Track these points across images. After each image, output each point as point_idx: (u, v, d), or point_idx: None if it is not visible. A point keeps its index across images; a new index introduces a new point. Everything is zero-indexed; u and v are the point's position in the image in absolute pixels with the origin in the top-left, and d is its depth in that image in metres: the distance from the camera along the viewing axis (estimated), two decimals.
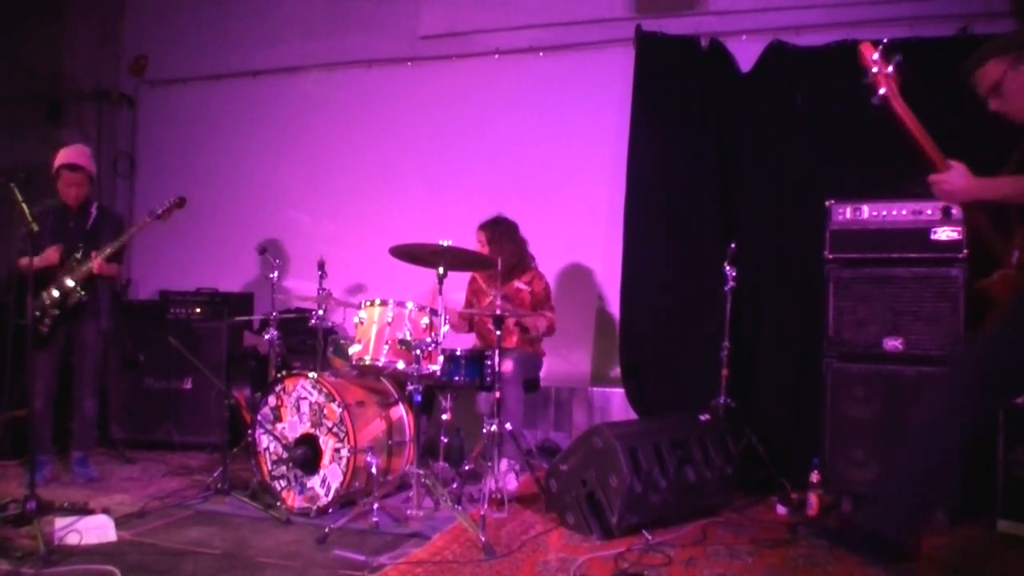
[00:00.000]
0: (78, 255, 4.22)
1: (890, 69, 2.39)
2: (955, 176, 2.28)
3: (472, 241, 4.57)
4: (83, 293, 4.21)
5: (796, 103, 4.67)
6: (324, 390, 3.75)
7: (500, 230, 4.59)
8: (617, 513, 3.34)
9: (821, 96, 4.60)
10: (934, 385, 2.39)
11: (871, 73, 2.39)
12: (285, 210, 6.04)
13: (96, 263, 4.19)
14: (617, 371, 5.09)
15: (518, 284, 4.61)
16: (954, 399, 2.29)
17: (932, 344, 3.77)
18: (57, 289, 4.17)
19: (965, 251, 3.71)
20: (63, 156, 4.32)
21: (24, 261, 4.13)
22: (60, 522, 3.18)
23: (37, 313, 4.13)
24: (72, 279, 4.18)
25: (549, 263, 5.01)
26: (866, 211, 3.95)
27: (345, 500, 3.71)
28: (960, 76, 2.48)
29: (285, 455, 3.80)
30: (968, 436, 2.34)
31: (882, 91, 2.38)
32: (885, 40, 2.45)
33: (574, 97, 5.43)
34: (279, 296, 4.40)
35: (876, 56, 2.39)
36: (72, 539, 3.11)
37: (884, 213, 3.91)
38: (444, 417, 4.03)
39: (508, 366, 4.22)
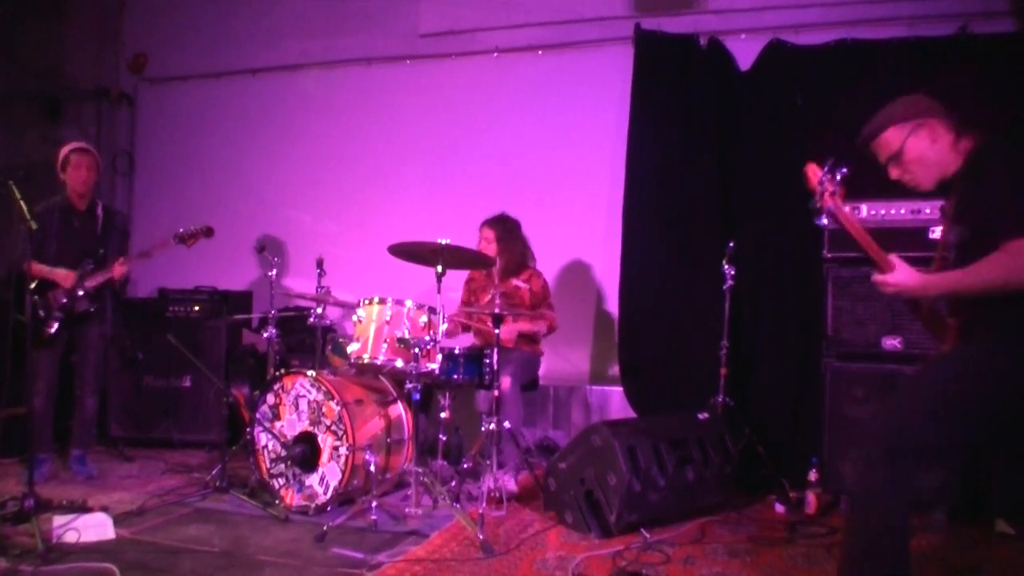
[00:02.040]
0: (90, 265, 4.23)
1: (836, 183, 2.39)
2: (900, 274, 2.25)
3: (471, 239, 4.56)
4: (92, 307, 4.23)
5: (796, 102, 4.66)
6: (323, 388, 3.75)
7: (507, 227, 4.59)
8: (615, 511, 3.34)
9: (820, 95, 4.60)
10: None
11: (818, 195, 2.40)
12: (284, 208, 6.04)
13: (118, 272, 4.23)
14: (616, 370, 5.08)
15: (516, 282, 4.61)
16: (874, 479, 2.22)
17: (931, 343, 3.75)
18: (66, 296, 4.17)
19: None
20: (69, 145, 4.34)
21: (39, 266, 4.14)
22: (58, 520, 3.18)
23: (41, 313, 4.13)
24: (81, 289, 4.19)
25: (548, 261, 5.01)
26: (865, 210, 3.95)
27: (344, 498, 3.71)
28: (858, 144, 2.49)
29: (284, 453, 3.80)
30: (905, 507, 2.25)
31: (824, 216, 2.40)
32: (828, 163, 2.42)
33: (573, 96, 5.43)
34: (278, 294, 4.40)
35: (822, 175, 2.40)
36: (70, 537, 3.11)
37: (883, 212, 3.91)
38: (443, 415, 4.03)
39: (507, 383, 4.20)
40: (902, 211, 3.88)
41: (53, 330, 4.15)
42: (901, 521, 2.15)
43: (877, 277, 2.29)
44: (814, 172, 2.40)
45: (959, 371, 2.23)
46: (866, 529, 2.18)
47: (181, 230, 4.31)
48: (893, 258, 2.27)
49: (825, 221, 2.38)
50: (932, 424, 2.18)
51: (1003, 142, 2.27)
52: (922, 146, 2.34)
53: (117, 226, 4.48)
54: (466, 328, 4.80)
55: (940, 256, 2.39)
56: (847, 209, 2.38)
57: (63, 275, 4.17)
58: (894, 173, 2.40)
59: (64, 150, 4.33)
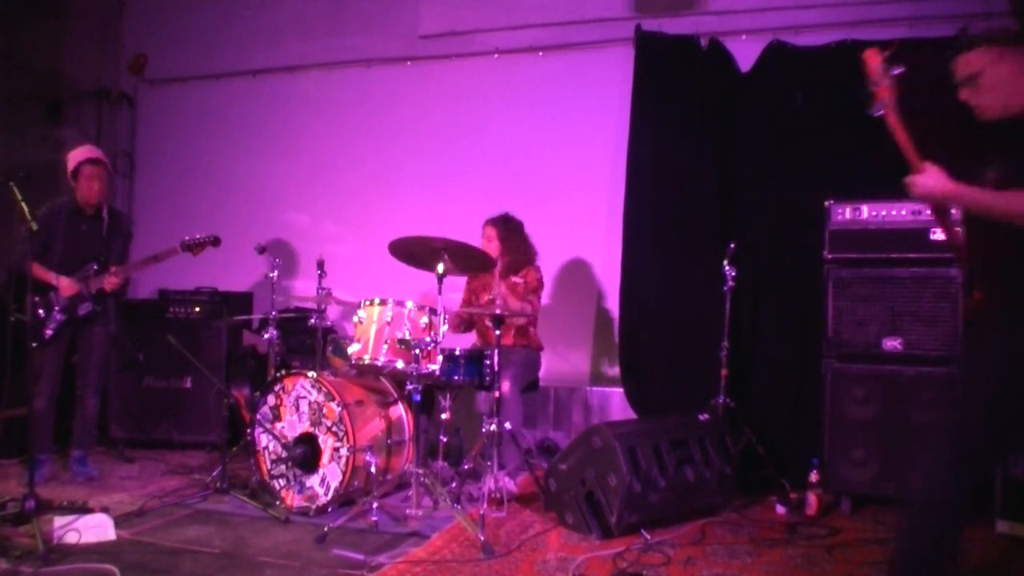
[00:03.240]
0: (95, 267, 4.23)
1: (888, 81, 2.38)
2: (928, 177, 2.28)
3: (472, 240, 4.55)
4: (96, 308, 4.24)
5: (796, 103, 4.67)
6: (323, 389, 3.75)
7: (510, 227, 4.60)
8: (616, 512, 3.34)
9: (821, 96, 4.61)
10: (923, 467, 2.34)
11: (872, 83, 2.38)
12: (284, 209, 6.03)
13: (109, 282, 4.22)
14: (616, 370, 5.08)
15: (515, 279, 4.61)
16: (933, 483, 2.26)
17: (931, 344, 3.77)
18: (68, 299, 4.17)
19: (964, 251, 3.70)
20: (82, 152, 4.33)
21: (40, 270, 4.14)
22: (59, 521, 3.18)
23: (41, 313, 4.13)
24: (85, 291, 4.19)
25: (549, 262, 5.01)
26: (865, 211, 3.95)
27: (344, 499, 3.71)
28: (946, 57, 2.46)
29: (284, 454, 3.80)
30: (964, 508, 2.28)
31: (879, 104, 2.38)
32: (888, 46, 2.42)
33: (574, 97, 5.43)
34: (278, 296, 4.39)
35: (880, 64, 2.38)
36: (71, 538, 3.11)
37: (883, 213, 3.92)
38: (443, 416, 4.03)
39: (506, 386, 4.19)
40: (903, 212, 3.88)
41: (51, 332, 4.15)
42: (958, 528, 2.19)
43: (908, 178, 2.31)
44: (873, 58, 2.38)
45: (985, 367, 2.26)
46: (926, 535, 2.21)
47: (187, 238, 4.33)
48: (927, 164, 2.30)
49: (880, 112, 2.36)
50: (988, 425, 2.21)
51: None
52: (1003, 75, 2.30)
53: (122, 230, 4.48)
54: (468, 327, 4.80)
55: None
56: (895, 111, 2.35)
57: (66, 284, 4.16)
58: (964, 94, 2.37)
59: (76, 157, 4.29)
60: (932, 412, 3.68)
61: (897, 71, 2.38)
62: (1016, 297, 2.22)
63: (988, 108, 2.33)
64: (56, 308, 4.17)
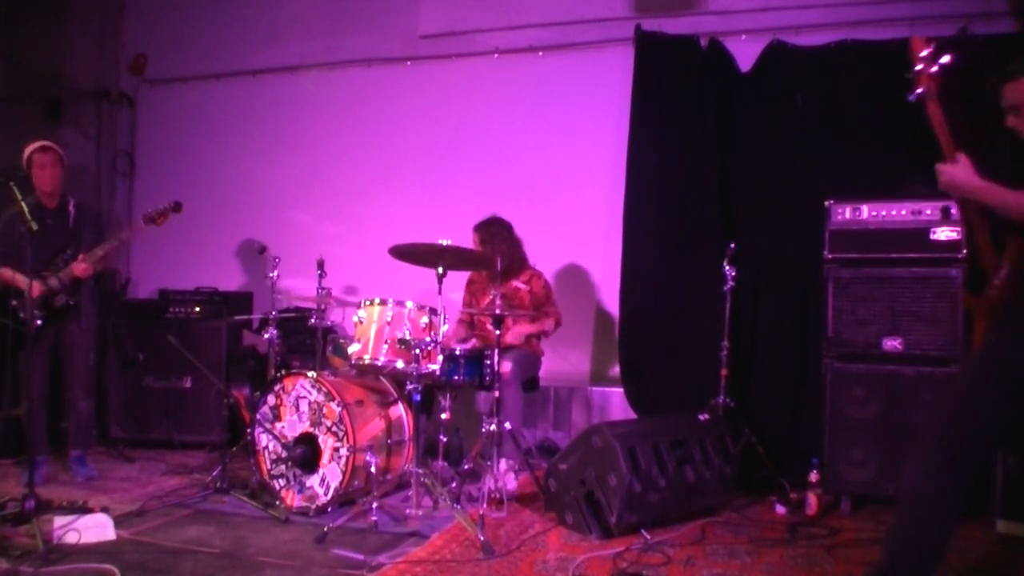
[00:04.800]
0: (62, 260, 4.19)
1: (935, 69, 2.39)
2: (959, 168, 2.29)
3: (471, 241, 4.58)
4: (70, 299, 4.19)
5: (796, 103, 4.67)
6: (323, 389, 3.75)
7: (493, 231, 4.59)
8: (616, 512, 3.34)
9: (821, 96, 4.61)
10: (915, 453, 2.33)
11: (915, 70, 2.39)
12: (284, 209, 6.03)
13: (80, 268, 4.16)
14: (616, 370, 5.08)
15: (516, 283, 4.61)
16: (926, 471, 2.26)
17: (931, 344, 3.77)
18: (42, 293, 4.14)
19: (964, 251, 3.71)
20: (32, 144, 4.27)
21: (7, 272, 4.13)
22: (59, 521, 3.18)
23: (21, 315, 4.11)
24: (58, 281, 4.16)
25: (549, 262, 5.01)
26: (865, 211, 3.95)
27: (344, 499, 3.71)
28: (989, 83, 2.47)
29: (284, 454, 3.80)
30: (959, 498, 2.28)
31: (920, 90, 2.39)
32: (936, 39, 2.43)
33: (574, 96, 5.42)
34: (278, 295, 4.40)
35: (925, 53, 2.39)
36: (71, 538, 3.11)
37: (883, 213, 3.92)
38: (443, 416, 4.03)
39: (507, 367, 4.22)
40: (903, 212, 3.88)
41: (32, 330, 4.10)
42: (951, 521, 2.20)
43: (939, 165, 2.33)
44: (919, 44, 2.39)
45: (989, 360, 2.27)
46: (916, 526, 2.21)
47: (149, 210, 4.26)
48: (961, 155, 2.32)
49: (918, 97, 2.36)
50: (980, 420, 2.22)
51: None
52: None
53: (90, 220, 4.41)
54: (470, 330, 4.80)
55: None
56: (935, 99, 2.37)
57: (35, 288, 4.05)
58: (1011, 121, 2.39)
59: (27, 150, 4.25)
60: (932, 412, 3.67)
61: (944, 60, 2.39)
62: None
63: None
64: (33, 305, 4.12)
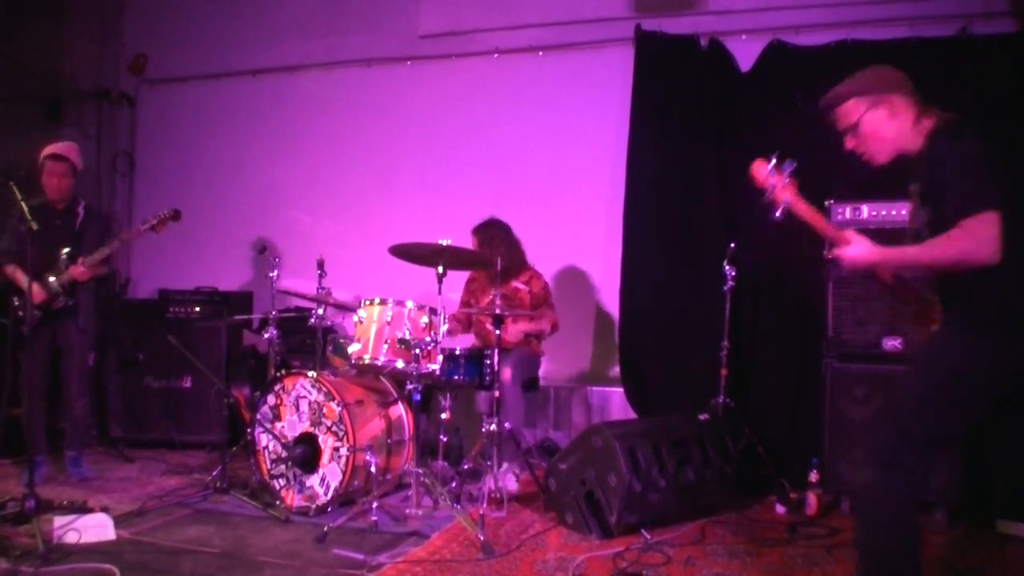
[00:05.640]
0: (65, 257, 4.18)
1: (786, 178, 2.43)
2: (855, 247, 2.29)
3: (470, 243, 4.58)
4: (68, 299, 4.18)
5: (796, 103, 4.66)
6: (323, 389, 3.75)
7: (491, 233, 4.59)
8: (616, 512, 3.34)
9: (821, 96, 4.59)
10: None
11: (768, 191, 2.43)
12: (284, 209, 6.04)
13: (78, 272, 4.14)
14: (616, 370, 5.09)
15: (516, 284, 4.61)
16: (875, 472, 2.25)
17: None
18: (43, 294, 4.14)
19: None
20: (48, 148, 4.28)
21: (11, 269, 4.13)
22: (59, 520, 3.18)
23: (20, 313, 4.12)
24: (58, 282, 4.16)
25: (549, 262, 5.01)
26: (865, 211, 3.96)
27: (344, 499, 3.71)
28: (821, 109, 2.50)
29: (284, 454, 3.80)
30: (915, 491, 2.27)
31: (783, 204, 2.42)
32: (774, 156, 2.48)
33: (574, 96, 5.43)
34: (278, 295, 4.40)
35: (769, 171, 2.42)
36: (71, 538, 3.11)
37: (883, 213, 3.92)
38: (443, 416, 4.03)
39: (507, 374, 4.21)
40: (903, 212, 3.87)
41: (27, 330, 4.09)
42: (908, 520, 2.17)
43: (835, 251, 2.33)
44: (759, 167, 2.42)
45: (936, 360, 2.27)
46: (874, 530, 2.19)
47: (149, 217, 4.25)
48: (849, 233, 2.33)
49: (779, 214, 2.40)
50: (924, 418, 2.21)
51: (954, 122, 2.27)
52: (879, 121, 2.35)
53: (96, 223, 4.40)
54: (467, 328, 4.80)
55: (912, 239, 2.37)
56: (800, 203, 2.45)
57: (36, 291, 4.00)
58: (850, 144, 2.44)
59: (42, 153, 4.25)
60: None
61: (790, 167, 2.43)
62: (987, 306, 2.19)
63: (877, 154, 2.41)
64: (32, 306, 4.11)
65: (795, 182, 2.42)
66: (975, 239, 2.07)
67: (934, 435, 2.21)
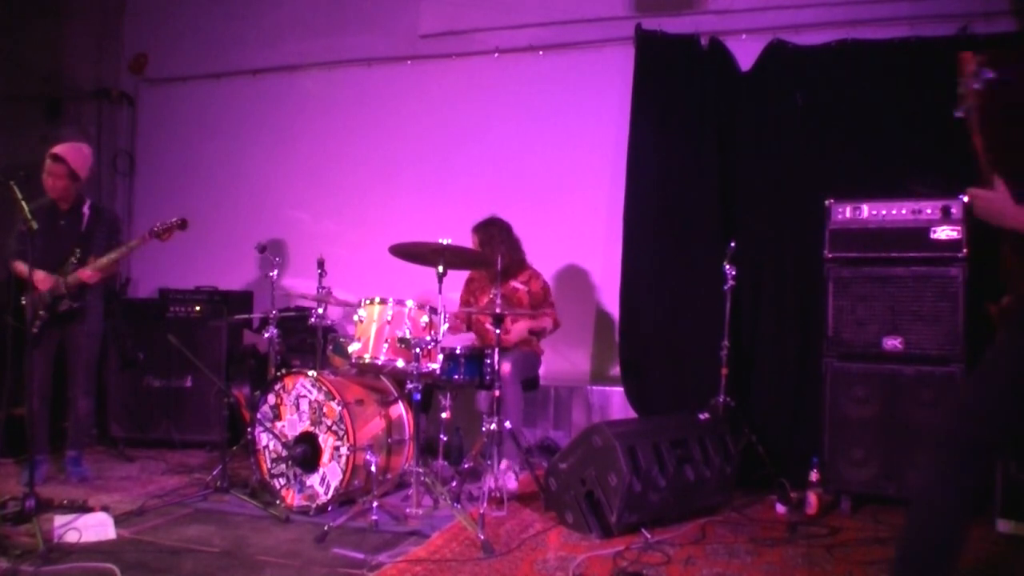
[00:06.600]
0: (74, 260, 4.18)
1: (983, 83, 2.36)
2: (996, 196, 2.24)
3: (470, 242, 4.58)
4: (74, 302, 4.18)
5: (796, 102, 4.67)
6: (323, 388, 3.75)
7: (491, 232, 4.59)
8: (616, 512, 3.34)
9: (821, 95, 4.61)
10: (925, 460, 2.29)
11: (965, 84, 2.36)
12: (285, 209, 6.04)
13: (85, 274, 4.14)
14: (616, 370, 5.08)
15: (515, 284, 4.61)
16: (938, 475, 2.24)
17: (932, 344, 3.77)
18: (50, 293, 4.15)
19: (965, 250, 3.72)
20: (56, 147, 4.27)
21: (21, 266, 4.13)
22: (59, 520, 3.18)
23: (29, 313, 4.11)
24: (65, 285, 4.16)
25: (549, 261, 5.01)
26: (866, 210, 3.95)
27: (344, 498, 3.71)
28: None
29: (284, 453, 3.80)
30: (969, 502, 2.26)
31: (967, 107, 2.36)
32: (983, 51, 2.40)
33: (574, 96, 5.43)
34: (279, 294, 4.40)
35: (974, 69, 2.36)
36: (71, 537, 3.11)
37: (884, 212, 3.92)
38: (443, 415, 4.03)
39: (507, 368, 4.22)
40: (903, 211, 3.88)
41: (36, 330, 4.10)
42: (964, 523, 2.18)
43: (974, 190, 2.25)
44: (968, 60, 2.35)
45: (1000, 362, 2.25)
46: (928, 530, 2.20)
47: (156, 225, 4.25)
48: (998, 180, 2.23)
49: (961, 112, 2.33)
50: (988, 420, 2.20)
51: None
52: None
53: (104, 224, 4.40)
54: (468, 326, 4.80)
55: None
56: (977, 115, 2.29)
57: (41, 278, 4.10)
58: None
59: (48, 153, 4.24)
60: (932, 411, 3.68)
61: (989, 75, 2.36)
62: None
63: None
64: (40, 306, 4.11)
65: (991, 91, 2.35)
66: None
67: (995, 439, 2.21)
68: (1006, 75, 2.38)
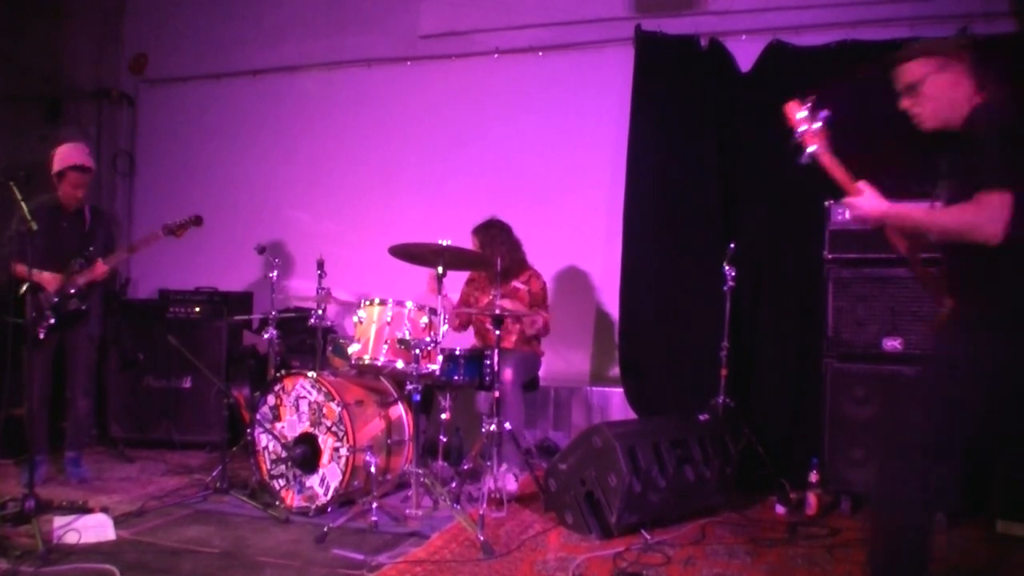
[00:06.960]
0: (82, 260, 4.19)
1: (817, 125, 2.42)
2: (864, 198, 2.30)
3: (470, 243, 4.58)
4: (82, 305, 4.18)
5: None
6: (323, 389, 3.75)
7: (492, 233, 4.58)
8: (616, 512, 3.34)
9: (820, 96, 4.59)
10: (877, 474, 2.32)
11: (798, 132, 2.42)
12: (284, 209, 6.04)
13: (100, 269, 4.17)
14: (616, 370, 5.08)
15: (516, 284, 4.61)
16: (889, 480, 2.24)
17: (931, 344, 3.76)
18: (57, 295, 4.14)
19: None
20: (70, 156, 4.21)
21: (22, 268, 4.12)
22: (59, 521, 3.18)
23: (33, 315, 4.11)
24: (71, 287, 4.16)
25: (549, 262, 5.01)
26: None
27: (344, 499, 3.71)
28: (887, 64, 2.48)
29: (284, 454, 3.80)
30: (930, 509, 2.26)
31: (811, 149, 2.42)
32: (810, 99, 2.45)
33: (574, 96, 5.43)
34: (278, 295, 4.39)
35: (803, 114, 2.42)
36: (71, 538, 3.11)
37: None
38: (443, 416, 4.03)
39: (508, 375, 4.21)
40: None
41: (42, 333, 4.10)
42: (920, 521, 2.17)
43: (846, 200, 2.37)
44: (793, 108, 2.42)
45: (943, 365, 2.26)
46: (887, 532, 2.19)
47: (170, 221, 4.26)
48: (862, 184, 2.36)
49: (804, 159, 2.39)
50: (930, 421, 2.20)
51: (1002, 101, 2.26)
52: (941, 87, 2.32)
53: (104, 224, 4.42)
54: (466, 324, 4.79)
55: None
56: (826, 153, 2.43)
57: (48, 279, 4.11)
58: (906, 103, 2.40)
59: (64, 160, 4.18)
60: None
61: (823, 115, 2.42)
62: (993, 301, 2.19)
63: (929, 117, 2.36)
64: (46, 309, 4.12)
65: (827, 131, 2.40)
66: (984, 213, 2.06)
67: (940, 441, 2.19)
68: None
